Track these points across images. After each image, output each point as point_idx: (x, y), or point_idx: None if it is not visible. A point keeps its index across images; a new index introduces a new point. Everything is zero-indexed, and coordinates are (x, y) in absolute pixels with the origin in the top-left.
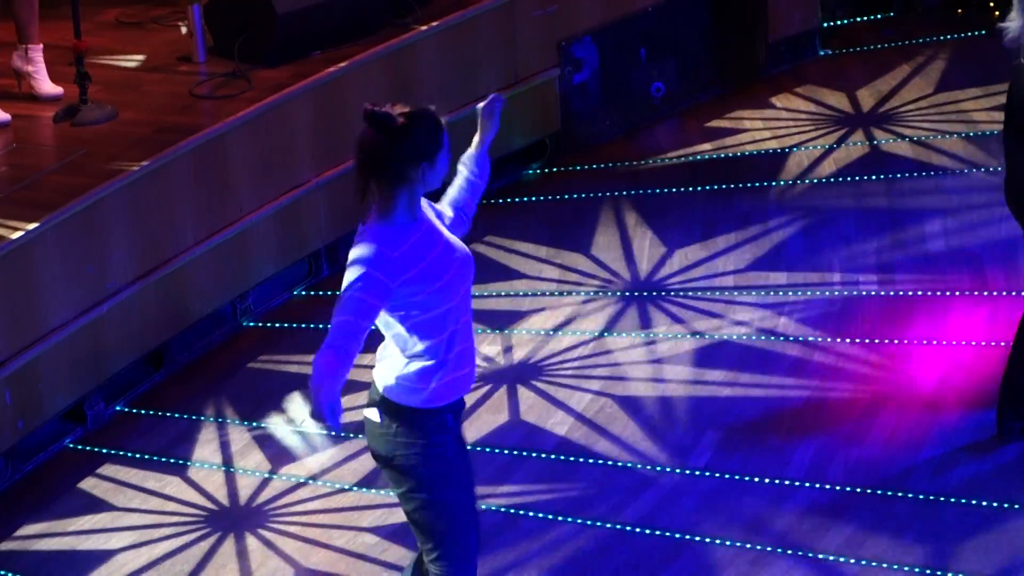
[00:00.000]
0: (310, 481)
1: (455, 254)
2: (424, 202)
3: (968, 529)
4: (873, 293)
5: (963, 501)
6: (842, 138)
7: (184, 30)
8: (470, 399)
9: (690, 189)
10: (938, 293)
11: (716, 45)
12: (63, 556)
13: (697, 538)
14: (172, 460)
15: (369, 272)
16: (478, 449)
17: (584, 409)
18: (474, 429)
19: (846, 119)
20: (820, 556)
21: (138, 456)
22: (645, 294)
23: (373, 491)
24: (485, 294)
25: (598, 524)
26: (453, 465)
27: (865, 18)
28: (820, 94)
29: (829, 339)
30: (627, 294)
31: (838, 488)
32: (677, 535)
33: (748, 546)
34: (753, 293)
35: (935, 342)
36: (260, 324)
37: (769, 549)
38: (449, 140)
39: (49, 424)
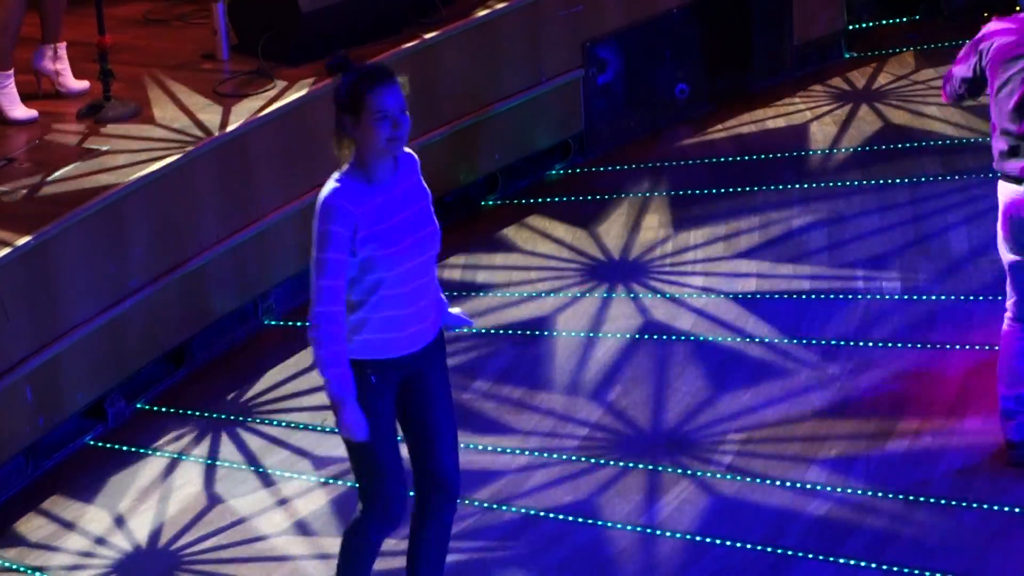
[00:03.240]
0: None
1: (408, 234)
2: (411, 166)
3: (990, 534)
4: (896, 297)
5: (985, 506)
6: (867, 141)
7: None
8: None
9: (713, 190)
10: (961, 297)
11: (741, 47)
12: (82, 553)
13: (717, 541)
14: (192, 458)
15: (333, 229)
16: (499, 449)
17: (603, 412)
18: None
19: (871, 123)
20: (841, 560)
21: (159, 454)
22: (668, 296)
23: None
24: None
25: (618, 527)
26: (371, 418)
27: (890, 21)
28: (844, 97)
29: (851, 342)
30: (649, 296)
31: (859, 492)
32: (697, 538)
33: (769, 550)
34: (775, 295)
35: (958, 346)
36: (281, 323)
37: (790, 553)
38: (393, 106)
39: (70, 421)
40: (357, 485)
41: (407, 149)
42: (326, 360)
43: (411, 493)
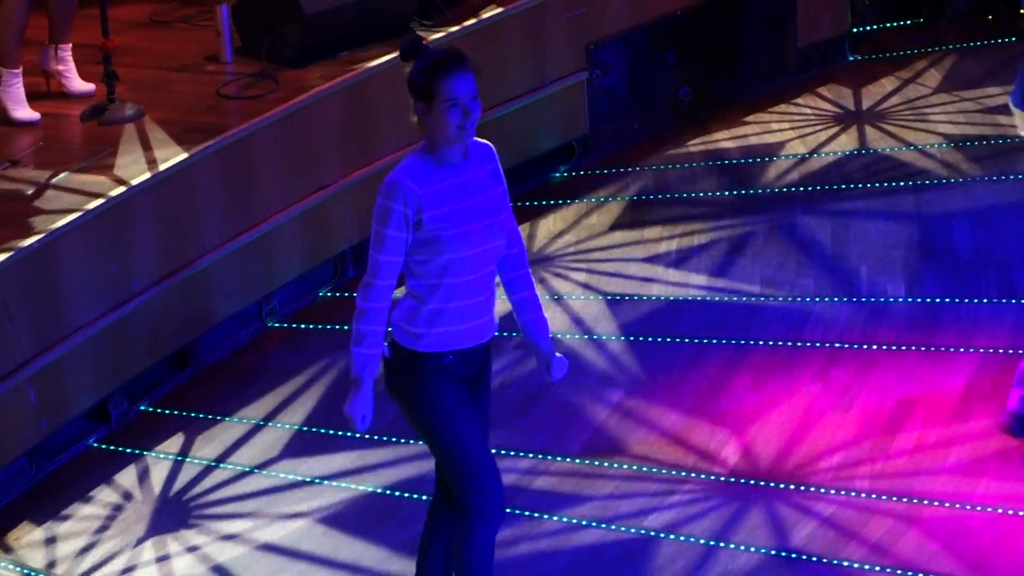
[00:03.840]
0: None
1: (469, 224)
2: (485, 155)
3: (995, 537)
4: (900, 299)
5: (989, 509)
6: (871, 144)
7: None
8: None
9: (717, 193)
10: (965, 300)
11: (744, 49)
12: (88, 554)
13: (722, 544)
14: (196, 460)
15: (393, 207)
16: (502, 452)
17: (607, 417)
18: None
19: (875, 125)
20: (846, 563)
21: (162, 456)
22: (672, 299)
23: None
24: None
25: (623, 529)
26: (454, 411)
27: (895, 24)
28: (849, 99)
29: (855, 345)
30: (654, 298)
31: (864, 495)
32: (702, 541)
33: (773, 553)
34: (779, 298)
35: (962, 349)
36: (285, 325)
37: (794, 556)
38: (464, 93)
39: (73, 423)
40: (448, 479)
41: (483, 140)
42: (363, 335)
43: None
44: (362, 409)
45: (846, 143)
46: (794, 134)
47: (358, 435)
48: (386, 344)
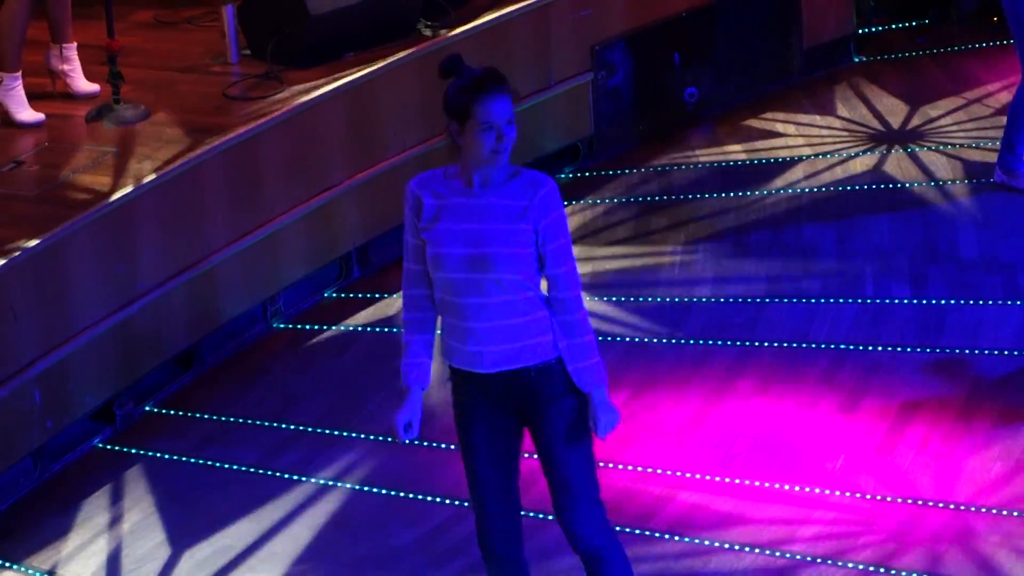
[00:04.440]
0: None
1: (456, 248)
2: (531, 189)
3: (1000, 539)
4: (906, 301)
5: (995, 511)
6: (876, 144)
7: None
8: None
9: (723, 195)
10: (970, 302)
11: (750, 50)
12: (90, 555)
13: (726, 545)
14: (201, 461)
15: (405, 211)
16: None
17: None
18: None
19: (881, 125)
20: (850, 565)
21: (167, 457)
22: (677, 300)
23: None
24: None
25: (627, 531)
26: (460, 427)
27: (900, 25)
28: (854, 100)
29: (861, 347)
30: (657, 300)
31: (868, 497)
32: (706, 542)
33: (777, 554)
34: (785, 300)
35: (967, 351)
36: (290, 326)
37: (799, 558)
38: (500, 117)
39: (78, 424)
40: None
41: (543, 177)
42: (405, 345)
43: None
44: (406, 418)
45: (850, 144)
46: (798, 135)
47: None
48: None
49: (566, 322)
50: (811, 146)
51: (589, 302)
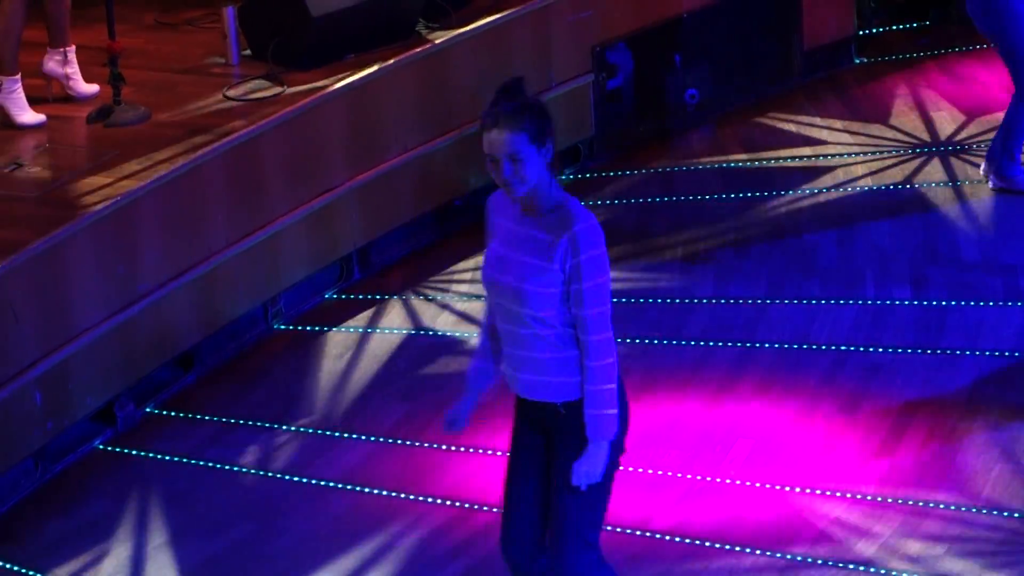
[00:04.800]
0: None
1: (494, 273)
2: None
3: (1000, 540)
4: (906, 302)
5: (995, 512)
6: (877, 147)
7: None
8: None
9: (723, 196)
10: (971, 303)
11: (751, 52)
12: (91, 556)
13: (727, 546)
14: (202, 463)
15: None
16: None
17: None
18: None
19: (882, 127)
20: (851, 565)
21: (168, 458)
22: (679, 301)
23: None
24: None
25: (627, 532)
26: (512, 447)
27: (901, 26)
28: (855, 102)
29: (862, 348)
30: (659, 301)
31: (870, 497)
32: (708, 543)
33: (779, 555)
34: (786, 301)
35: (968, 352)
36: (291, 327)
37: (800, 558)
38: (495, 151)
39: (79, 425)
40: None
41: (586, 219)
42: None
43: None
44: (453, 414)
45: (851, 145)
46: (799, 136)
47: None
48: None
49: (587, 367)
50: (811, 147)
51: None
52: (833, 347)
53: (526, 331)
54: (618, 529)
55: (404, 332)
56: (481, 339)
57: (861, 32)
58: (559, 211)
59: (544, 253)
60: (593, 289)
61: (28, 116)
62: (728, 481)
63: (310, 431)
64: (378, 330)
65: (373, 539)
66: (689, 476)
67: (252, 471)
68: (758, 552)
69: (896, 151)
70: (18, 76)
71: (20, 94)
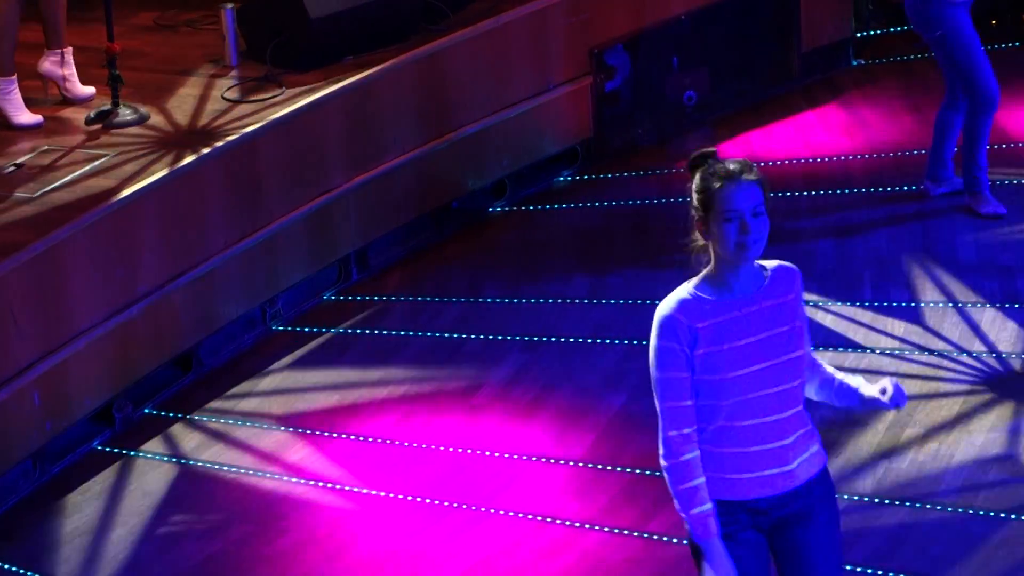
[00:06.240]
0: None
1: (751, 366)
2: (786, 282)
3: (997, 542)
4: (904, 304)
5: (991, 514)
6: (875, 148)
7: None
8: None
9: None
10: (969, 305)
11: (749, 54)
12: (90, 557)
13: None
14: (200, 463)
15: (663, 345)
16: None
17: (610, 421)
18: None
19: (879, 129)
20: (847, 567)
21: (166, 459)
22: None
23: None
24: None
25: (626, 533)
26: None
27: (898, 28)
28: (853, 104)
29: (859, 350)
30: (654, 303)
31: (866, 499)
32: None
33: None
34: None
35: (964, 354)
36: (289, 328)
37: None
38: (743, 206)
39: (77, 426)
40: None
41: (788, 265)
42: (678, 496)
43: None
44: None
45: (848, 147)
46: (801, 141)
47: (365, 439)
48: None
49: (815, 378)
50: (809, 149)
51: (589, 305)
52: (830, 349)
53: (794, 406)
54: (616, 530)
55: (402, 332)
56: (694, 478)
57: (859, 34)
58: (771, 271)
59: (794, 313)
60: (807, 326)
61: (25, 117)
62: None
63: (308, 432)
64: (376, 331)
65: (372, 540)
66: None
67: (251, 472)
68: None
69: (892, 154)
70: (14, 77)
71: (16, 95)
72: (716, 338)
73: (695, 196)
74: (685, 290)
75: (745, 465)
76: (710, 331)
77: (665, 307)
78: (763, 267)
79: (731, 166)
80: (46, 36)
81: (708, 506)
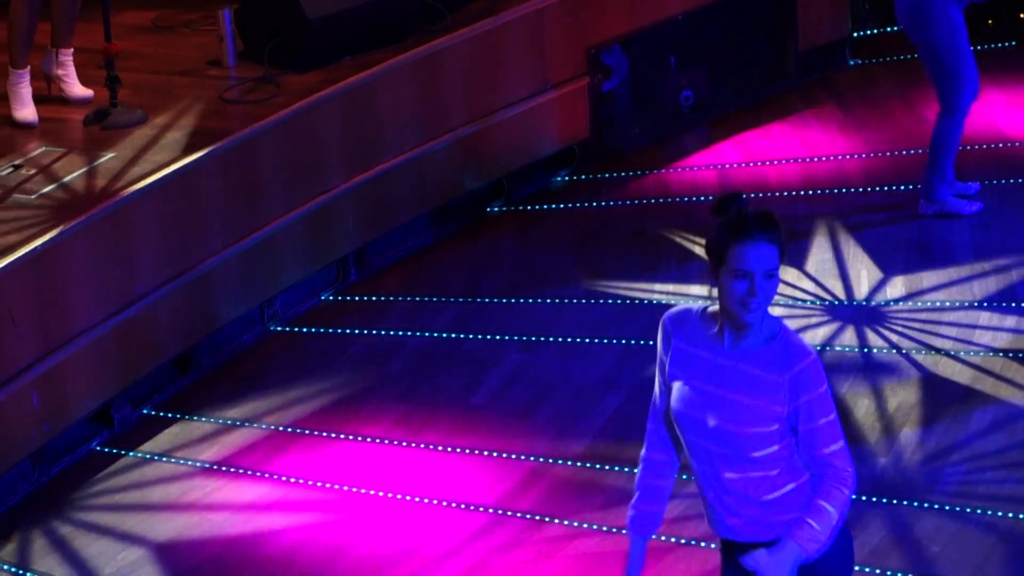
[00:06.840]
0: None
1: (693, 411)
2: (779, 361)
3: (995, 540)
4: (900, 304)
5: (989, 513)
6: (872, 147)
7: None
8: None
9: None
10: (966, 304)
11: (746, 54)
12: (89, 558)
13: None
14: (199, 464)
15: (656, 344)
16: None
17: (608, 422)
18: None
19: (877, 128)
20: None
21: (164, 459)
22: (673, 303)
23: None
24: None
25: (623, 533)
26: None
27: (895, 28)
28: (850, 103)
29: (855, 349)
30: (652, 302)
31: (863, 499)
32: (703, 544)
33: None
34: (780, 302)
35: (962, 353)
36: (287, 329)
37: None
38: (756, 267)
39: (76, 427)
40: None
41: (809, 356)
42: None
43: None
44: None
45: (845, 147)
46: (798, 140)
47: (360, 439)
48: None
49: (815, 480)
50: (806, 148)
51: (587, 305)
52: (828, 347)
53: (733, 476)
54: (614, 530)
55: (400, 332)
56: (643, 479)
57: (856, 34)
58: (776, 343)
59: (764, 394)
60: (827, 427)
61: (24, 112)
62: None
63: (307, 432)
64: (374, 332)
65: (371, 540)
66: (684, 477)
67: (249, 472)
68: None
69: (889, 152)
70: (25, 71)
71: (24, 88)
72: (682, 365)
73: (711, 242)
74: (696, 306)
75: (704, 499)
76: (681, 355)
77: (670, 310)
78: (774, 335)
79: (752, 223)
80: (51, 35)
81: (641, 505)
